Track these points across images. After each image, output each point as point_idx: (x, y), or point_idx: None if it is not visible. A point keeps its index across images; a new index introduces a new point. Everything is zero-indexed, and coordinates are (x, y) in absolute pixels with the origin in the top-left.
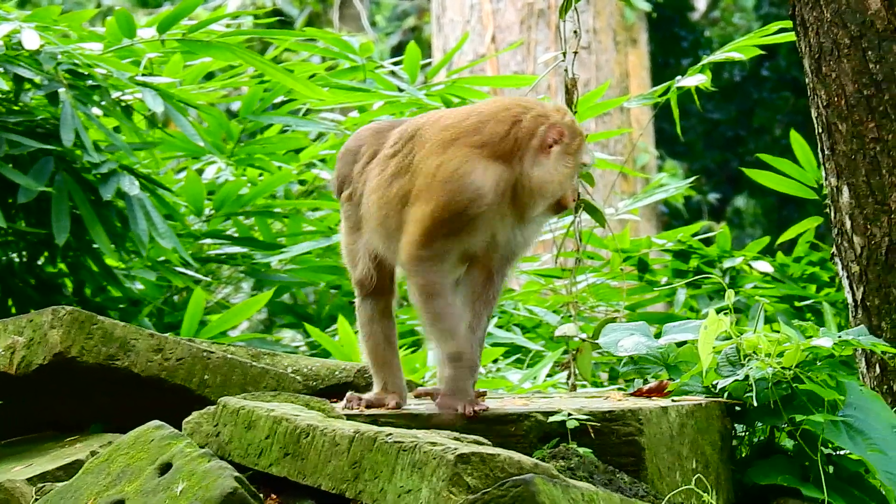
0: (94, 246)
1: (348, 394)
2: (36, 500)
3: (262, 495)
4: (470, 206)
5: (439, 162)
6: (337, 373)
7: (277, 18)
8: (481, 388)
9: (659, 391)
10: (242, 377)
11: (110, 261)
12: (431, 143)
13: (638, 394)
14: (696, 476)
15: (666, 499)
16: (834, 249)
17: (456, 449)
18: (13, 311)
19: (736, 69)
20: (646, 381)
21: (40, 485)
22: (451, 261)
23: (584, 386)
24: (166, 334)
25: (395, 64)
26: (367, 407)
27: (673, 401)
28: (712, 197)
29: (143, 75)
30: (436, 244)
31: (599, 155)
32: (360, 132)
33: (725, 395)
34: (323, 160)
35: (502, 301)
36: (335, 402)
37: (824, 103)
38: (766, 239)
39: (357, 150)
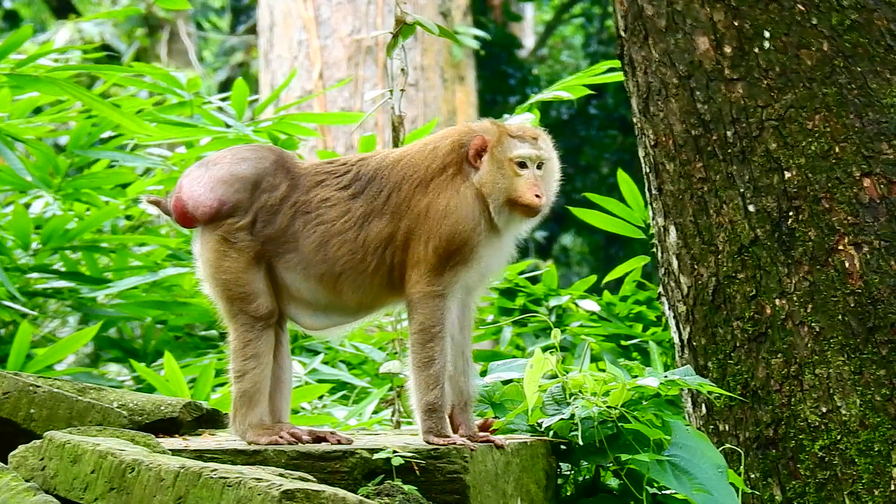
0: None
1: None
2: None
3: None
4: (472, 235)
5: (428, 200)
6: (162, 408)
7: (105, 53)
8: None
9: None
10: (69, 411)
11: None
12: (408, 184)
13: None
14: None
15: None
16: (661, 289)
17: (281, 485)
18: None
19: (563, 107)
20: None
21: None
22: (457, 295)
23: (409, 423)
24: None
25: (223, 100)
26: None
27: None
28: (539, 235)
29: None
30: (444, 278)
31: None
32: (250, 158)
33: (551, 433)
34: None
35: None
36: (161, 437)
37: (652, 143)
38: (593, 277)
39: (255, 180)
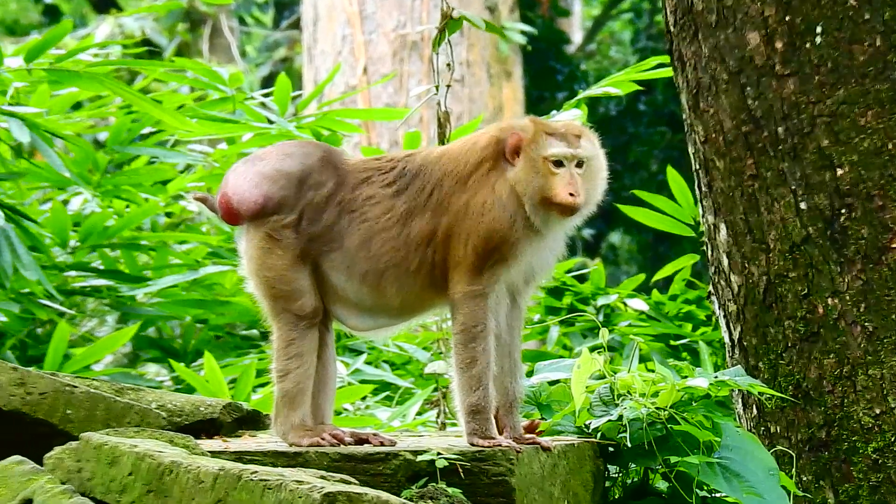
0: None
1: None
2: None
3: None
4: (509, 234)
5: (466, 198)
6: (202, 409)
7: (146, 48)
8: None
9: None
10: (106, 412)
11: None
12: (449, 180)
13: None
14: None
15: None
16: (711, 288)
17: (322, 487)
18: None
19: (612, 103)
20: None
21: None
22: (498, 294)
23: (454, 424)
24: (29, 368)
25: (266, 95)
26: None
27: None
28: (587, 233)
29: (10, 105)
30: (484, 277)
31: None
32: (296, 154)
33: (598, 435)
34: (190, 192)
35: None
36: (201, 439)
37: (702, 139)
38: (642, 276)
39: (301, 176)
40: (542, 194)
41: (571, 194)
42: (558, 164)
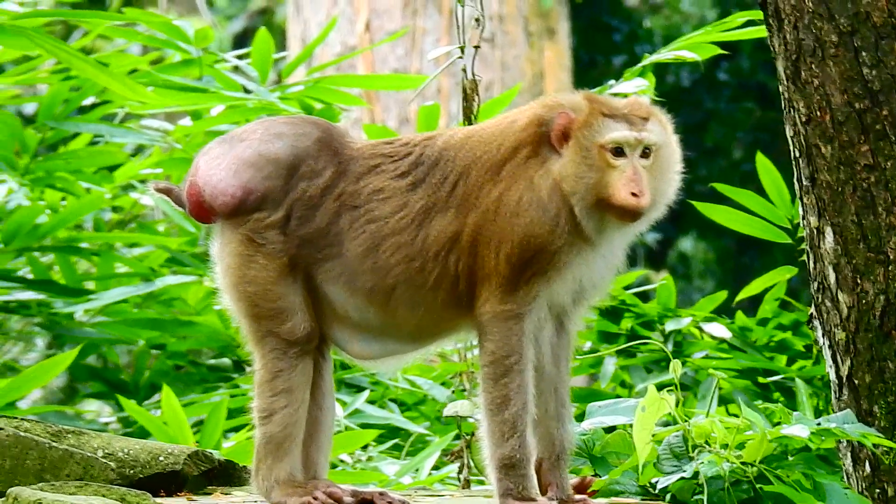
0: None
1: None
2: None
3: None
4: (550, 239)
5: (499, 192)
6: (161, 458)
7: None
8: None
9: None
10: (39, 461)
11: None
12: (477, 168)
13: None
14: None
15: None
16: (813, 310)
17: None
18: None
19: (684, 71)
20: None
21: None
22: (536, 314)
23: (482, 482)
24: None
25: (241, 57)
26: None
27: None
28: (650, 238)
29: None
30: (519, 294)
31: None
32: (286, 135)
33: (668, 496)
34: (144, 181)
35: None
36: (160, 496)
37: (803, 119)
38: (723, 294)
39: (292, 163)
40: (598, 193)
41: (634, 194)
42: (618, 152)
